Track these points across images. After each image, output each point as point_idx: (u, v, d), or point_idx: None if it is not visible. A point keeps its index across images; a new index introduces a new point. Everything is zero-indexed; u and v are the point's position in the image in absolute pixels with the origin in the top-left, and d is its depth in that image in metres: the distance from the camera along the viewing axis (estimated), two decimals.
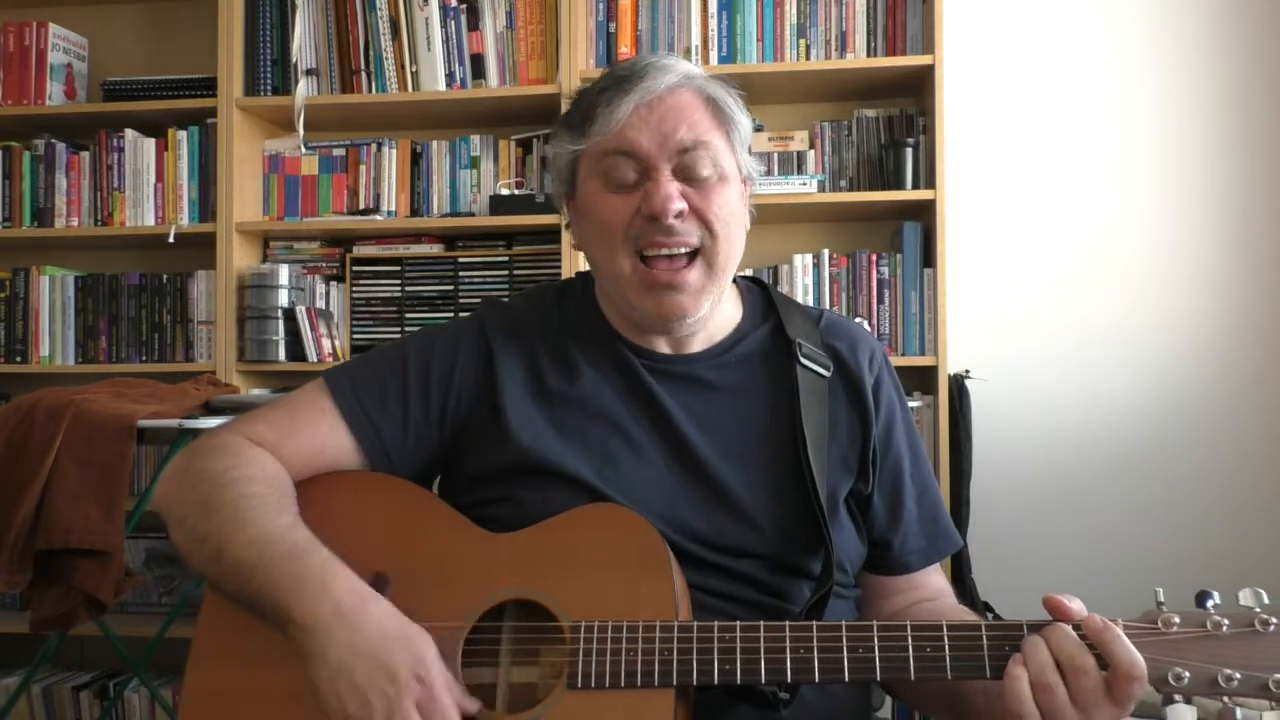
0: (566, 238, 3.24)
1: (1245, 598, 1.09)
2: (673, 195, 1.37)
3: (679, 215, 1.37)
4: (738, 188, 1.45)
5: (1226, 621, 1.09)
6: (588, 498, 1.37)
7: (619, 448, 1.42)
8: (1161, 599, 1.13)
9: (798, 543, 1.40)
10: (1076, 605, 1.14)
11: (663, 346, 1.49)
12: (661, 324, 1.44)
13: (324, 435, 1.43)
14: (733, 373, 1.48)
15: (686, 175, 1.39)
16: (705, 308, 1.43)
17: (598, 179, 1.42)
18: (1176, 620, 1.10)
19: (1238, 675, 1.06)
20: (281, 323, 3.39)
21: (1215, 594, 1.11)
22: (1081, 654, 1.09)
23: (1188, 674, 1.07)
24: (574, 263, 3.23)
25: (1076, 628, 1.11)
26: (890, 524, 1.49)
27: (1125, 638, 1.09)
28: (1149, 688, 1.09)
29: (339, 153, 3.59)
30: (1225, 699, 1.07)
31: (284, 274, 3.43)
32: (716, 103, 1.43)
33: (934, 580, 1.54)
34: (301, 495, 1.38)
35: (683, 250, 1.39)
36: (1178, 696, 1.09)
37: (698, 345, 1.50)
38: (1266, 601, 1.09)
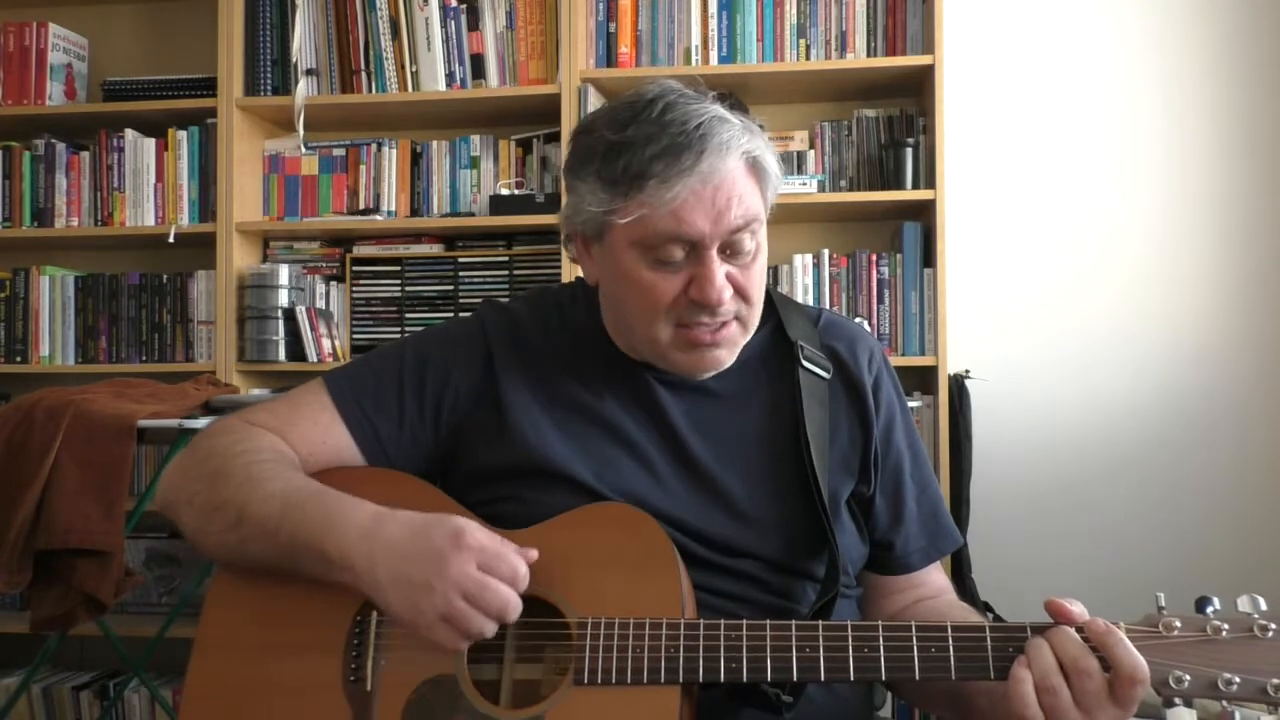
0: None
1: (1244, 604, 1.10)
2: (724, 286, 1.34)
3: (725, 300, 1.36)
4: (765, 239, 1.41)
5: (1226, 626, 1.09)
6: (590, 499, 1.37)
7: (620, 453, 1.42)
8: (1163, 603, 1.13)
9: (801, 546, 1.40)
10: (1078, 609, 1.14)
11: None
12: (696, 374, 1.44)
13: (323, 430, 1.44)
14: (733, 377, 1.48)
15: (732, 252, 1.35)
16: (737, 354, 1.43)
17: (639, 249, 1.34)
18: (1177, 624, 1.11)
19: (1237, 679, 1.07)
20: (281, 323, 3.39)
21: (1215, 599, 1.12)
22: (1085, 656, 1.10)
23: (1188, 677, 1.08)
24: (574, 264, 3.23)
25: (1079, 631, 1.12)
26: (892, 524, 1.50)
27: (1128, 641, 1.09)
28: (1150, 690, 1.09)
29: (339, 153, 3.59)
30: (1225, 703, 1.08)
31: (284, 274, 3.43)
32: (758, 165, 1.37)
33: (935, 578, 1.55)
34: None
35: (720, 321, 1.38)
36: (1178, 699, 1.09)
37: None
38: (1264, 608, 1.10)
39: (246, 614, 1.33)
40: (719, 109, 1.35)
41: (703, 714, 1.27)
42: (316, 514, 1.28)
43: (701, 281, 1.33)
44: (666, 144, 1.30)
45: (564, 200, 1.55)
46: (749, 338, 1.44)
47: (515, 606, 1.19)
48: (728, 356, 1.41)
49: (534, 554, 1.23)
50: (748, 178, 1.35)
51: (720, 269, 1.33)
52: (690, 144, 1.29)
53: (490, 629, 1.19)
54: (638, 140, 1.31)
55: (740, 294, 1.37)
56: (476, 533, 1.21)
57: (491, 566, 1.19)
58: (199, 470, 1.39)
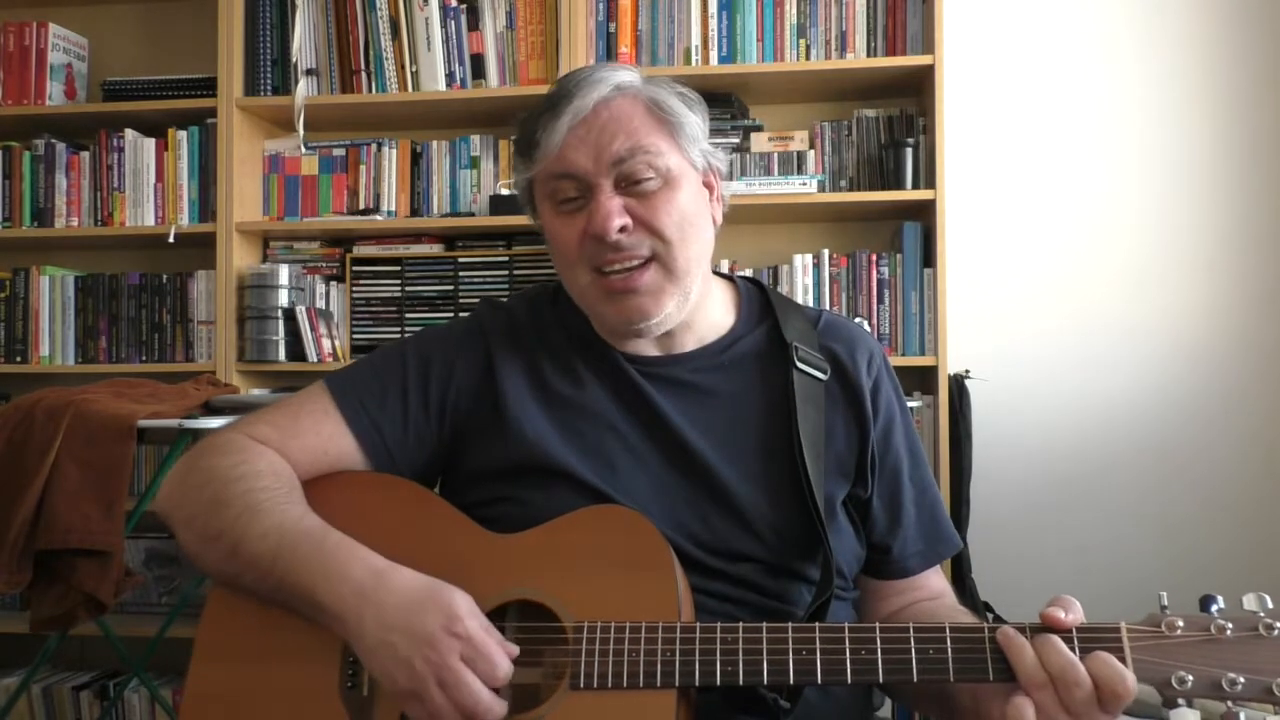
0: None
1: (1249, 602, 1.10)
2: (612, 213, 1.37)
3: (624, 230, 1.37)
4: (693, 186, 1.45)
5: (1230, 626, 1.09)
6: (589, 499, 1.37)
7: (617, 451, 1.42)
8: (1165, 603, 1.13)
9: (796, 548, 1.40)
10: (1074, 615, 1.14)
11: (649, 349, 1.49)
12: (626, 327, 1.44)
13: (327, 436, 1.44)
14: (727, 376, 1.48)
15: (629, 185, 1.39)
16: (669, 307, 1.42)
17: (548, 203, 1.44)
18: (1180, 624, 1.10)
19: (1241, 679, 1.06)
20: (281, 323, 3.38)
21: (1219, 598, 1.11)
22: (1072, 668, 1.09)
23: (1191, 677, 1.07)
24: None
25: (1076, 632, 1.12)
26: (890, 528, 1.49)
27: (1110, 656, 1.09)
28: (1150, 689, 1.09)
29: (339, 153, 3.58)
30: (1229, 703, 1.07)
31: (284, 274, 3.42)
32: (656, 104, 1.43)
33: (933, 581, 1.54)
34: (306, 496, 1.38)
35: (634, 263, 1.40)
36: (1181, 700, 1.09)
37: (689, 345, 1.50)
38: (1270, 606, 1.10)
39: (246, 619, 1.32)
40: (623, 73, 1.44)
41: (700, 718, 1.26)
42: (311, 560, 1.27)
43: (592, 214, 1.38)
44: (549, 103, 1.42)
45: None
46: (681, 289, 1.43)
47: (487, 708, 1.18)
48: (652, 305, 1.41)
49: (514, 649, 1.22)
50: (642, 114, 1.41)
51: (614, 200, 1.38)
52: (565, 94, 1.41)
53: None
54: (534, 111, 1.45)
55: (646, 227, 1.39)
56: (469, 620, 1.20)
57: (474, 662, 1.19)
58: (197, 495, 1.38)
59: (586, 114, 1.39)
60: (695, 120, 1.46)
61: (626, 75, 1.44)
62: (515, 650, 1.22)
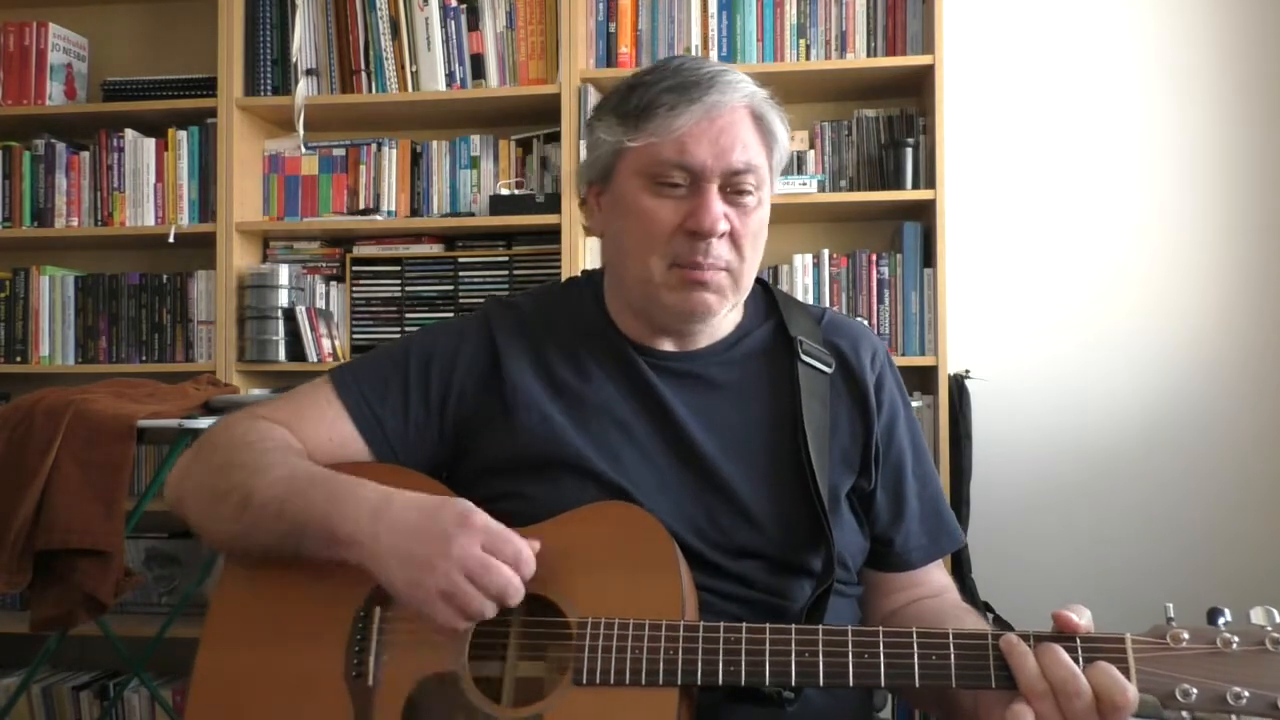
0: (566, 237, 3.24)
1: (1257, 616, 1.09)
2: (720, 217, 1.38)
3: (720, 235, 1.38)
4: (769, 208, 1.47)
5: (1237, 639, 1.09)
6: (597, 491, 1.38)
7: (624, 444, 1.43)
8: (1171, 614, 1.13)
9: (799, 539, 1.41)
10: (1085, 621, 1.14)
11: (666, 344, 1.50)
12: (685, 320, 1.45)
13: (329, 427, 1.46)
14: (735, 370, 1.49)
15: (732, 195, 1.40)
16: (723, 311, 1.45)
17: (643, 179, 1.41)
18: (1186, 636, 1.10)
19: (1246, 694, 1.06)
20: (281, 323, 3.39)
21: (1226, 611, 1.11)
22: (1074, 679, 1.09)
23: (1195, 690, 1.07)
24: (573, 263, 3.23)
25: (1080, 641, 1.12)
26: (893, 520, 1.51)
27: (1111, 667, 1.09)
28: (1153, 699, 1.09)
29: (339, 153, 3.58)
30: (1233, 717, 1.07)
31: (284, 274, 3.43)
32: (765, 123, 1.43)
33: (936, 576, 1.55)
34: None
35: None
36: (1185, 713, 1.09)
37: (701, 342, 1.51)
38: (1278, 621, 1.09)
39: (252, 609, 1.35)
40: (751, 83, 1.43)
41: (702, 712, 1.27)
42: (323, 493, 1.30)
43: (699, 210, 1.38)
44: (678, 81, 1.39)
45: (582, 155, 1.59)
46: (737, 299, 1.46)
47: (516, 588, 1.21)
48: (717, 304, 1.42)
49: (537, 543, 1.25)
50: (753, 129, 1.41)
51: (719, 204, 1.38)
52: (699, 81, 1.39)
53: (490, 610, 1.21)
54: (652, 81, 1.41)
55: (734, 243, 1.40)
56: (480, 515, 1.24)
57: (496, 548, 1.21)
58: (207, 462, 1.42)
59: (720, 112, 1.38)
60: (787, 146, 1.48)
61: (753, 85, 1.44)
62: (537, 544, 1.25)
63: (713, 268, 1.40)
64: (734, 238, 1.40)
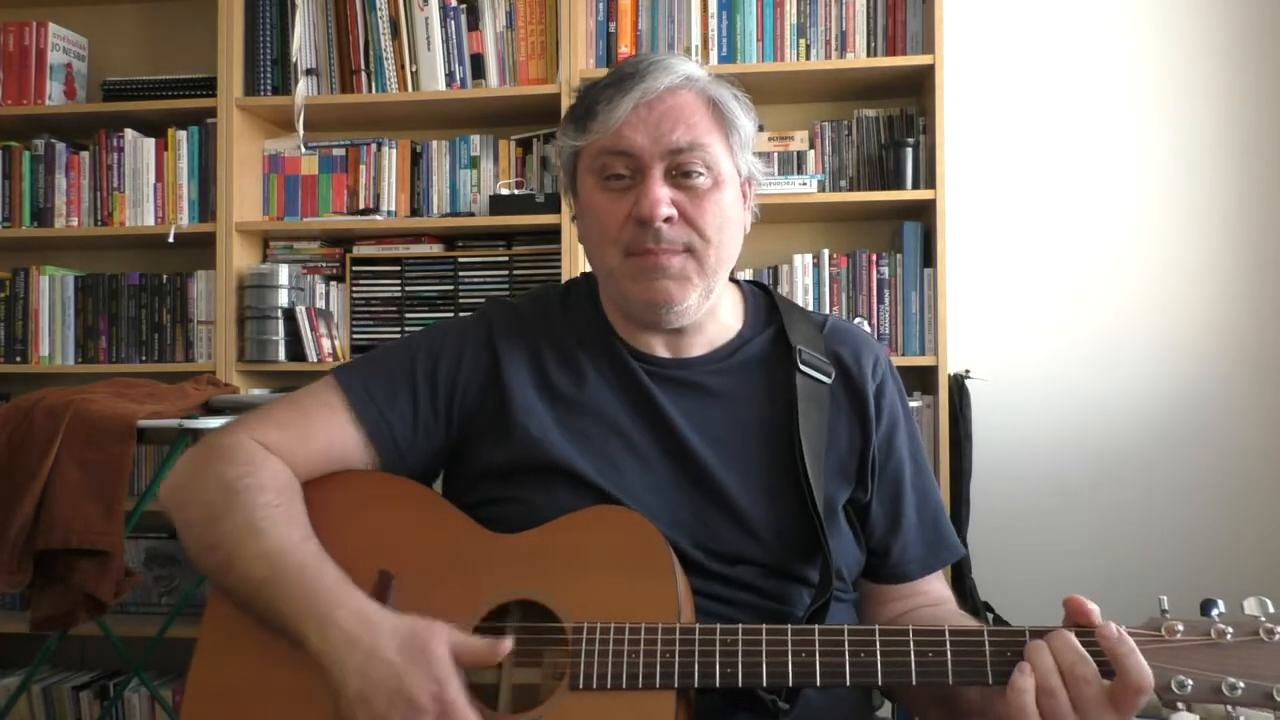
0: (566, 237, 3.25)
1: (1250, 606, 1.09)
2: (661, 200, 1.37)
3: (667, 220, 1.38)
4: (735, 190, 1.46)
5: (1231, 630, 1.09)
6: (592, 498, 1.37)
7: (620, 451, 1.42)
8: (1166, 606, 1.13)
9: (795, 550, 1.40)
10: (1095, 612, 1.14)
11: (661, 350, 1.49)
12: (650, 311, 1.43)
13: (335, 435, 1.43)
14: (733, 379, 1.48)
15: (680, 177, 1.40)
16: (692, 297, 1.42)
17: (593, 176, 1.43)
18: (1180, 628, 1.10)
19: (1241, 684, 1.06)
20: (281, 323, 3.39)
21: (1220, 602, 1.11)
22: (1082, 663, 1.09)
23: (1191, 682, 1.07)
24: (573, 263, 3.23)
25: (1089, 632, 1.11)
26: (889, 531, 1.49)
27: (1139, 652, 1.08)
28: (1151, 694, 1.09)
29: (339, 153, 3.58)
30: (1229, 707, 1.07)
31: (284, 274, 3.43)
32: (717, 104, 1.43)
33: (934, 587, 1.54)
34: (308, 495, 1.38)
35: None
36: (1180, 704, 1.09)
37: (698, 349, 1.50)
38: (1271, 611, 1.09)
39: (248, 619, 1.32)
40: (692, 66, 1.45)
41: (699, 719, 1.26)
42: (300, 595, 1.25)
43: (639, 196, 1.38)
44: (617, 76, 1.43)
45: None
46: (706, 286, 1.44)
47: None
48: (678, 290, 1.41)
49: (509, 644, 1.21)
50: (702, 110, 1.42)
51: (663, 189, 1.38)
52: (635, 72, 1.41)
53: None
54: (599, 83, 1.45)
55: (690, 223, 1.40)
56: (450, 686, 1.17)
57: None
58: (200, 498, 1.37)
59: (653, 97, 1.39)
60: (749, 127, 1.47)
61: (696, 69, 1.45)
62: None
63: (666, 252, 1.39)
64: (690, 221, 1.40)
